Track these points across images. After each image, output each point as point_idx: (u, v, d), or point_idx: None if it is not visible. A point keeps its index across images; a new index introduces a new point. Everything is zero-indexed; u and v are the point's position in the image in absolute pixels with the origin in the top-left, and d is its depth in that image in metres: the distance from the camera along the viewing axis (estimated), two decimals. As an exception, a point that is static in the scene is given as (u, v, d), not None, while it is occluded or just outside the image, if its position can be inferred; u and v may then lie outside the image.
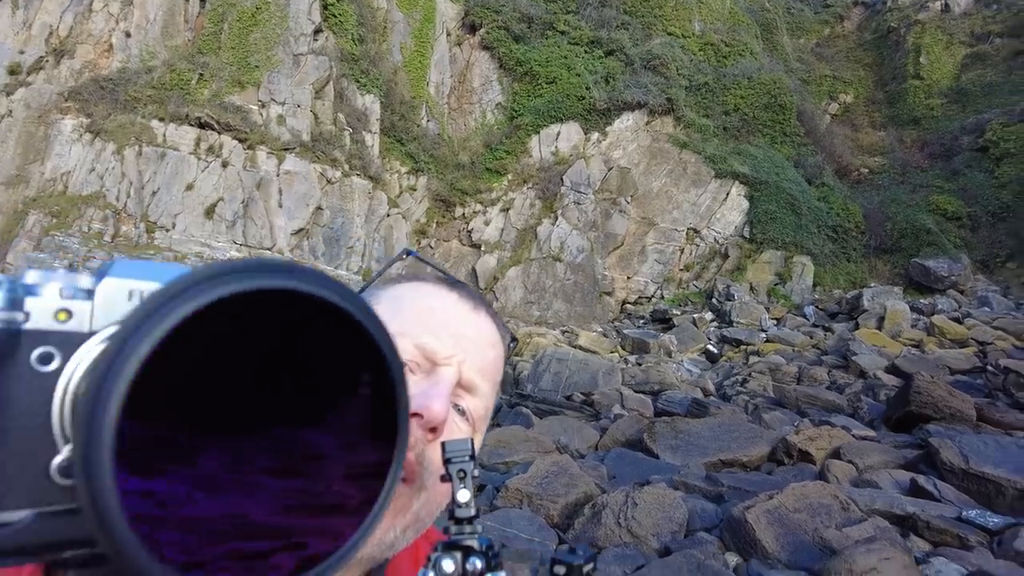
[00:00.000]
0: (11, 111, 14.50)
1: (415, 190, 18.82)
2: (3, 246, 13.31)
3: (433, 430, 0.66)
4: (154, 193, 14.73)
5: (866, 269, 19.36)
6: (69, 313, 0.32)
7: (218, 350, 0.29)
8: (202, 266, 0.30)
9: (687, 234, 19.50)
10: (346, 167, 16.70)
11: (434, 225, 19.03)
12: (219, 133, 15.47)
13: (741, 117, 21.90)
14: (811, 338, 14.37)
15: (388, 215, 17.57)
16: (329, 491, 0.32)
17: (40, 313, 0.32)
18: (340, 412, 0.33)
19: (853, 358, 11.65)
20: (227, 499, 0.30)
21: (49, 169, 14.39)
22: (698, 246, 19.41)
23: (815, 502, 4.55)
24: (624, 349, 14.71)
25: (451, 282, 0.82)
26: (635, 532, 4.38)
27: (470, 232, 18.82)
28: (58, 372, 0.32)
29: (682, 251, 19.40)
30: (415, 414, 0.64)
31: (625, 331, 15.93)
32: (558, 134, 19.98)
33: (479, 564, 0.52)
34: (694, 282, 18.83)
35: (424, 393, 0.67)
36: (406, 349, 0.70)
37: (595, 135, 20.23)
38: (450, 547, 0.52)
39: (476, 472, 0.55)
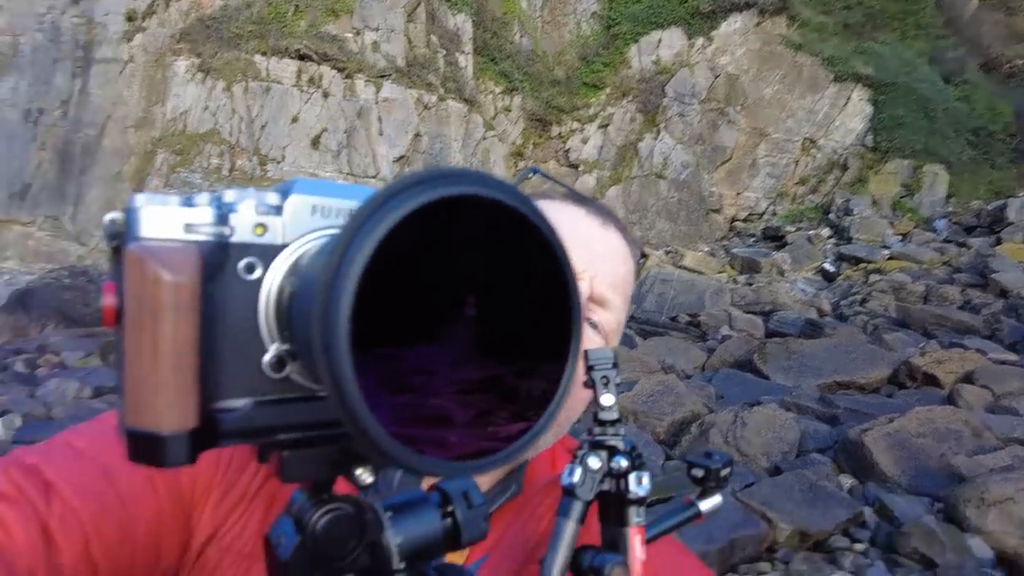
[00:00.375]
0: (132, 56, 15.47)
1: (510, 111, 18.53)
2: (139, 185, 14.58)
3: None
4: (263, 127, 15.44)
5: (1014, 177, 17.21)
6: (264, 227, 0.36)
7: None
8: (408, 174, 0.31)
9: (802, 145, 18.06)
10: (441, 91, 16.67)
11: (531, 146, 18.76)
12: (318, 64, 15.83)
13: (865, 11, 19.42)
14: (942, 255, 13.17)
15: (484, 138, 17.49)
16: (434, 406, 0.34)
17: (242, 228, 0.35)
18: (449, 330, 0.35)
19: (993, 276, 10.61)
20: None
21: (169, 110, 15.38)
22: (814, 157, 17.97)
23: (942, 427, 4.31)
24: (733, 269, 14.19)
25: (579, 198, 0.82)
26: (744, 451, 4.37)
27: (567, 152, 18.42)
28: (260, 280, 0.36)
29: (796, 163, 18.04)
30: None
31: (734, 250, 15.30)
32: (659, 41, 18.74)
33: (624, 463, 0.54)
34: (810, 196, 17.58)
35: None
36: None
37: (699, 40, 18.79)
38: (596, 446, 0.55)
39: (619, 380, 0.57)
